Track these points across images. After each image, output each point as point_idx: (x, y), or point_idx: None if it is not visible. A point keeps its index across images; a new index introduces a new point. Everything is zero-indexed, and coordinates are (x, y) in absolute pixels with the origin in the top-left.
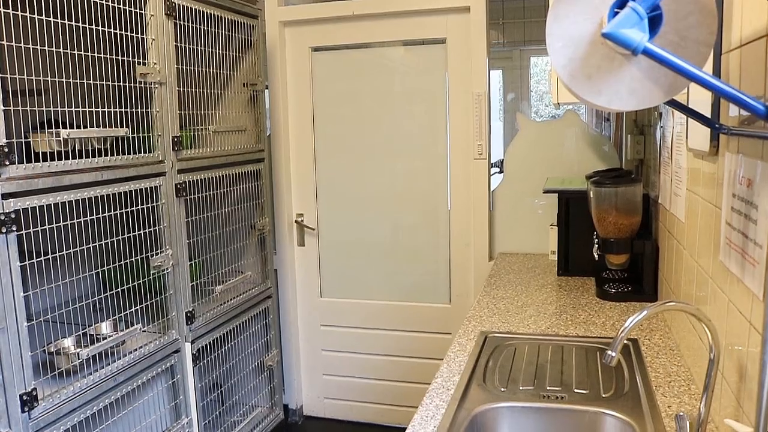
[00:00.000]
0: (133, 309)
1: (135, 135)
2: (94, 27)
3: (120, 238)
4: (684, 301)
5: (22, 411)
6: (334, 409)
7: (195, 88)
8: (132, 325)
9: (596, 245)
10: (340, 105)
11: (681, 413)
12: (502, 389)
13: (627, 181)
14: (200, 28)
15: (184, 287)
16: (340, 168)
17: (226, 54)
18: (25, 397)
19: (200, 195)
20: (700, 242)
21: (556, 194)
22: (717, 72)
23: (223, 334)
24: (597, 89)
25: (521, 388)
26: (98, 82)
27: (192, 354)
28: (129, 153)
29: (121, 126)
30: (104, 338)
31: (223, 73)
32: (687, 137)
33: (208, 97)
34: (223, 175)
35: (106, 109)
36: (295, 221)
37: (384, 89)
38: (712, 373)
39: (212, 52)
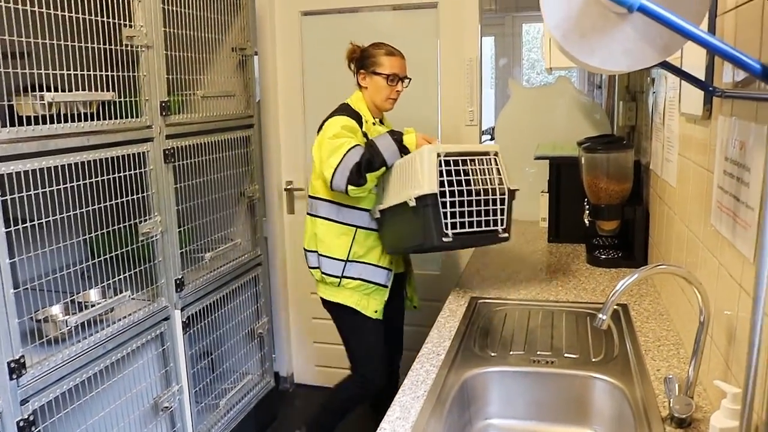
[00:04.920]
0: (121, 276)
1: (122, 99)
2: None
3: (108, 204)
4: (675, 264)
5: (10, 378)
6: (324, 376)
7: (183, 52)
8: (121, 292)
9: (587, 212)
10: (330, 71)
11: (670, 376)
12: (492, 354)
13: (618, 147)
14: None
15: (174, 254)
16: None
17: (214, 17)
18: (13, 365)
19: (189, 161)
20: (691, 207)
21: (548, 161)
22: (712, 33)
23: (213, 302)
24: (590, 49)
25: (511, 353)
26: (83, 45)
27: (182, 321)
28: (116, 118)
29: (108, 90)
30: (92, 306)
31: (212, 38)
32: (680, 102)
33: (196, 61)
34: (212, 141)
35: (91, 73)
36: (285, 188)
37: None
38: (702, 336)
39: (200, 15)
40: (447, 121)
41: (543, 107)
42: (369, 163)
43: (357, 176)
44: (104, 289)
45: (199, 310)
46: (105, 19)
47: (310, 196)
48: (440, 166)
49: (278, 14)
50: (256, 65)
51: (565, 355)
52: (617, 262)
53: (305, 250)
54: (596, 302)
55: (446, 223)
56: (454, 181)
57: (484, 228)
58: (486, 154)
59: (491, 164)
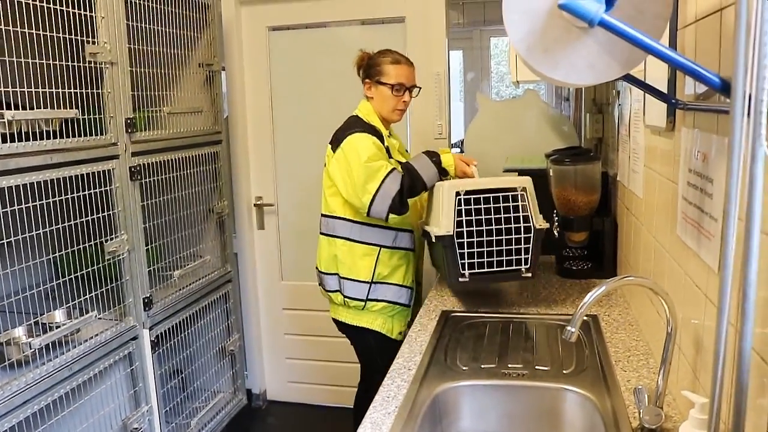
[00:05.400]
0: (88, 296)
1: (86, 117)
2: (39, 3)
3: (73, 223)
4: (642, 276)
5: None
6: (298, 393)
7: (148, 69)
8: (87, 312)
9: (556, 223)
10: (298, 85)
11: (639, 387)
12: (464, 368)
13: (586, 158)
14: (153, 6)
15: (141, 273)
16: (298, 149)
17: (180, 33)
18: None
19: (156, 178)
20: (657, 218)
21: (516, 173)
22: (673, 47)
23: (183, 320)
24: (554, 63)
25: (483, 366)
26: (45, 62)
27: (151, 341)
28: (80, 135)
29: (71, 108)
30: (57, 327)
31: (178, 53)
32: (644, 114)
33: (162, 77)
34: (179, 158)
35: (54, 90)
36: (255, 204)
37: (343, 69)
38: (670, 347)
39: (166, 31)
40: (416, 134)
41: (511, 120)
42: (411, 189)
43: (400, 205)
44: (70, 310)
45: (169, 329)
46: (67, 35)
47: (325, 215)
48: (459, 205)
49: (245, 29)
50: (223, 81)
51: (537, 367)
52: (587, 273)
53: (321, 272)
54: (567, 314)
55: (463, 264)
56: (474, 220)
57: (505, 268)
58: (513, 190)
59: (518, 200)
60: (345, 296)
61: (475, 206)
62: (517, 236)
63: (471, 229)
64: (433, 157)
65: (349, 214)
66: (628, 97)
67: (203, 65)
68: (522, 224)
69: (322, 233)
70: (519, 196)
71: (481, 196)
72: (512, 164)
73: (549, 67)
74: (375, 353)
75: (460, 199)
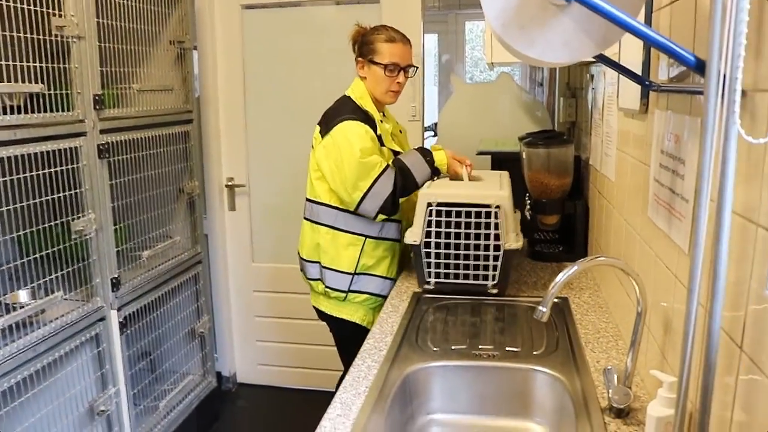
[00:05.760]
0: (53, 276)
1: (52, 92)
2: None
3: (39, 201)
4: (613, 257)
5: None
6: (268, 375)
7: (118, 44)
8: (52, 292)
9: (528, 206)
10: (271, 65)
11: (609, 367)
12: (435, 349)
13: (559, 142)
14: None
15: (109, 253)
16: (271, 130)
17: (150, 9)
18: None
19: (125, 157)
20: (629, 201)
21: (490, 156)
22: None
23: (152, 301)
24: (530, 40)
25: (453, 347)
26: (9, 34)
27: (119, 322)
28: (46, 111)
29: (36, 82)
30: (21, 307)
31: (148, 29)
32: (618, 98)
33: (132, 54)
34: (149, 137)
35: (18, 63)
36: (226, 185)
37: (317, 50)
38: (639, 327)
39: (135, 6)
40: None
41: (485, 103)
42: (403, 189)
43: (391, 206)
44: (35, 290)
45: (137, 310)
46: (33, 7)
47: (309, 200)
48: (431, 215)
49: (218, 7)
50: (195, 59)
51: (507, 348)
52: (559, 256)
53: (302, 259)
54: (538, 296)
55: (429, 272)
56: (444, 233)
57: (472, 281)
58: (486, 206)
59: (490, 217)
60: (326, 286)
61: (446, 218)
62: (485, 253)
63: (440, 241)
64: (427, 155)
65: (335, 201)
66: (602, 81)
67: (174, 42)
68: (492, 242)
69: (306, 218)
70: (493, 213)
71: (453, 209)
72: (486, 147)
73: (524, 45)
74: (354, 345)
75: (431, 210)
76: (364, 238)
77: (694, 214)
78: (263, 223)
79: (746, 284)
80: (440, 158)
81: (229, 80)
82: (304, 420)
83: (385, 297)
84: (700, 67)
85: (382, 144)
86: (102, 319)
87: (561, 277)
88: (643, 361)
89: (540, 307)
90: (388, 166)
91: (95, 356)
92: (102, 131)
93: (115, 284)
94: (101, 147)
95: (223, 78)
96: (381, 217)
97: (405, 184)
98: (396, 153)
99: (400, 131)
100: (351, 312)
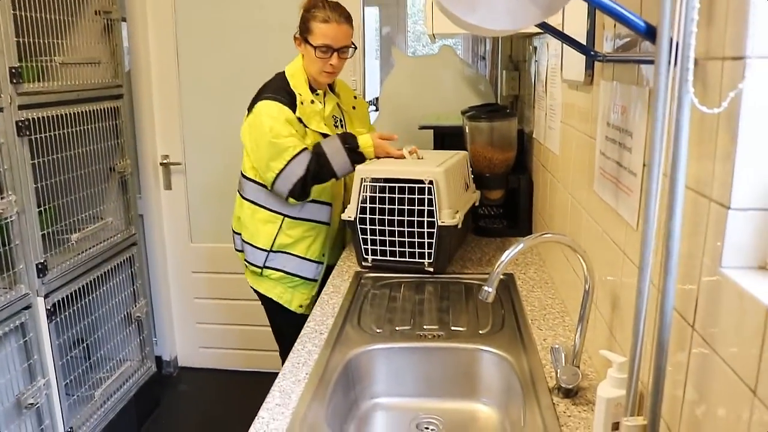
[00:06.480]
0: None
1: None
2: None
3: None
4: (559, 233)
5: None
6: (210, 358)
7: (36, 13)
8: None
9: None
10: (207, 37)
11: (556, 346)
12: (378, 330)
13: (502, 115)
14: None
15: (34, 236)
16: (207, 106)
17: None
18: None
19: (49, 134)
20: (573, 175)
21: (432, 130)
22: None
23: (83, 286)
24: (471, 5)
25: (397, 328)
26: None
27: (46, 309)
28: None
29: None
30: None
31: None
32: (562, 69)
33: (53, 24)
34: (75, 113)
35: None
36: (161, 163)
37: (253, 21)
38: (587, 305)
39: None
40: None
41: (427, 77)
42: (316, 175)
43: (301, 191)
44: None
45: (68, 296)
46: None
47: (241, 174)
48: (365, 191)
49: None
50: (124, 31)
51: (452, 328)
52: (502, 231)
53: (232, 230)
54: (483, 273)
55: (366, 249)
56: (380, 209)
57: (408, 259)
58: (419, 182)
59: (424, 194)
60: (246, 260)
61: (380, 194)
62: (420, 230)
63: (374, 217)
64: (347, 141)
65: (258, 177)
66: (545, 52)
67: (100, 13)
68: (426, 218)
69: (237, 191)
70: (426, 189)
71: (387, 185)
72: (428, 121)
73: (465, 10)
74: (280, 325)
75: (366, 186)
76: (282, 216)
77: (644, 189)
78: (201, 202)
79: (698, 260)
80: (365, 142)
81: (162, 53)
82: (248, 402)
83: (305, 278)
84: (650, 33)
85: (306, 126)
86: (28, 307)
87: (506, 256)
88: (591, 338)
89: (486, 288)
90: (305, 149)
91: (21, 347)
92: (21, 107)
93: (41, 270)
94: (20, 124)
95: (155, 51)
96: (292, 200)
97: (319, 171)
98: (325, 136)
99: (354, 107)
100: (268, 288)
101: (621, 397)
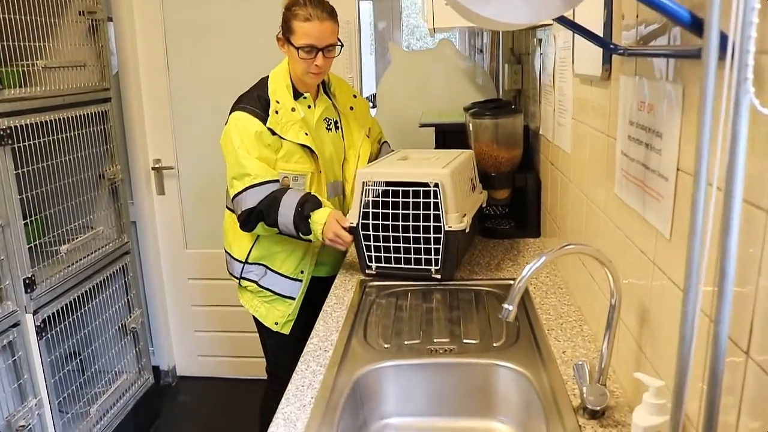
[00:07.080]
0: None
1: None
2: None
3: None
4: (582, 243)
5: None
6: (209, 366)
7: (16, 15)
8: None
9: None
10: (197, 37)
11: (580, 363)
12: (386, 345)
13: (507, 111)
14: None
15: (20, 250)
16: (199, 107)
17: None
18: None
19: (32, 142)
20: (588, 175)
21: (433, 128)
22: None
23: (75, 299)
24: None
25: (406, 342)
26: None
27: (36, 326)
28: None
29: None
30: None
31: None
32: (573, 63)
33: (34, 26)
34: (60, 118)
35: None
36: (153, 168)
37: (245, 19)
38: (614, 321)
39: None
40: None
41: (425, 72)
42: (260, 215)
43: (245, 221)
44: None
45: (58, 311)
46: None
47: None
48: (367, 196)
49: None
50: (111, 32)
51: (464, 341)
52: (510, 232)
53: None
54: (492, 278)
55: (369, 256)
56: (384, 214)
57: (414, 266)
58: (424, 185)
59: (429, 197)
60: (227, 269)
61: (383, 198)
62: (426, 235)
63: (378, 222)
64: (304, 206)
65: None
66: (553, 45)
67: (84, 13)
68: (432, 223)
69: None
70: (432, 192)
71: (390, 189)
72: (428, 119)
73: (479, 2)
74: (261, 338)
75: (368, 189)
76: None
77: (693, 200)
78: (195, 207)
79: (753, 281)
80: (319, 217)
81: (151, 53)
82: (250, 411)
83: (280, 295)
84: (696, 24)
85: (282, 138)
86: (16, 325)
87: (527, 271)
88: (616, 353)
89: (506, 306)
90: (270, 182)
91: (10, 367)
92: (2, 114)
93: (29, 285)
94: (2, 132)
95: (143, 51)
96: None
97: (267, 213)
98: (306, 147)
99: (352, 108)
100: (246, 299)
101: (659, 425)
